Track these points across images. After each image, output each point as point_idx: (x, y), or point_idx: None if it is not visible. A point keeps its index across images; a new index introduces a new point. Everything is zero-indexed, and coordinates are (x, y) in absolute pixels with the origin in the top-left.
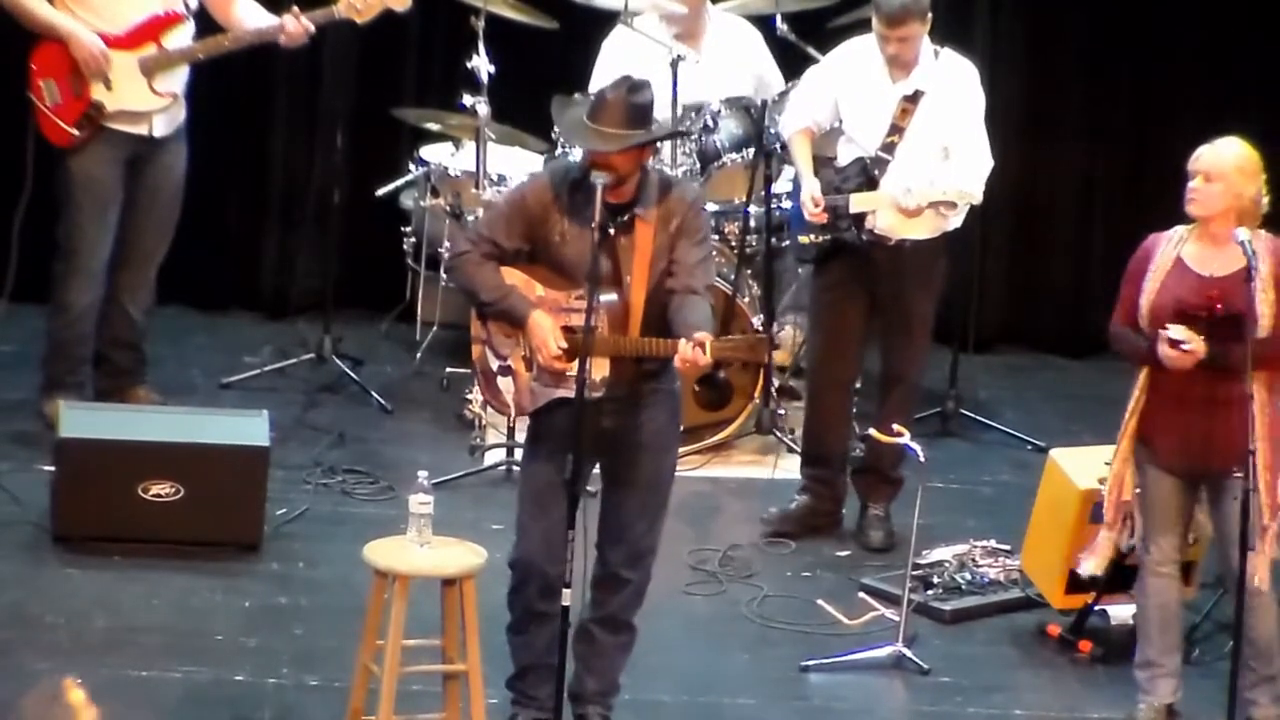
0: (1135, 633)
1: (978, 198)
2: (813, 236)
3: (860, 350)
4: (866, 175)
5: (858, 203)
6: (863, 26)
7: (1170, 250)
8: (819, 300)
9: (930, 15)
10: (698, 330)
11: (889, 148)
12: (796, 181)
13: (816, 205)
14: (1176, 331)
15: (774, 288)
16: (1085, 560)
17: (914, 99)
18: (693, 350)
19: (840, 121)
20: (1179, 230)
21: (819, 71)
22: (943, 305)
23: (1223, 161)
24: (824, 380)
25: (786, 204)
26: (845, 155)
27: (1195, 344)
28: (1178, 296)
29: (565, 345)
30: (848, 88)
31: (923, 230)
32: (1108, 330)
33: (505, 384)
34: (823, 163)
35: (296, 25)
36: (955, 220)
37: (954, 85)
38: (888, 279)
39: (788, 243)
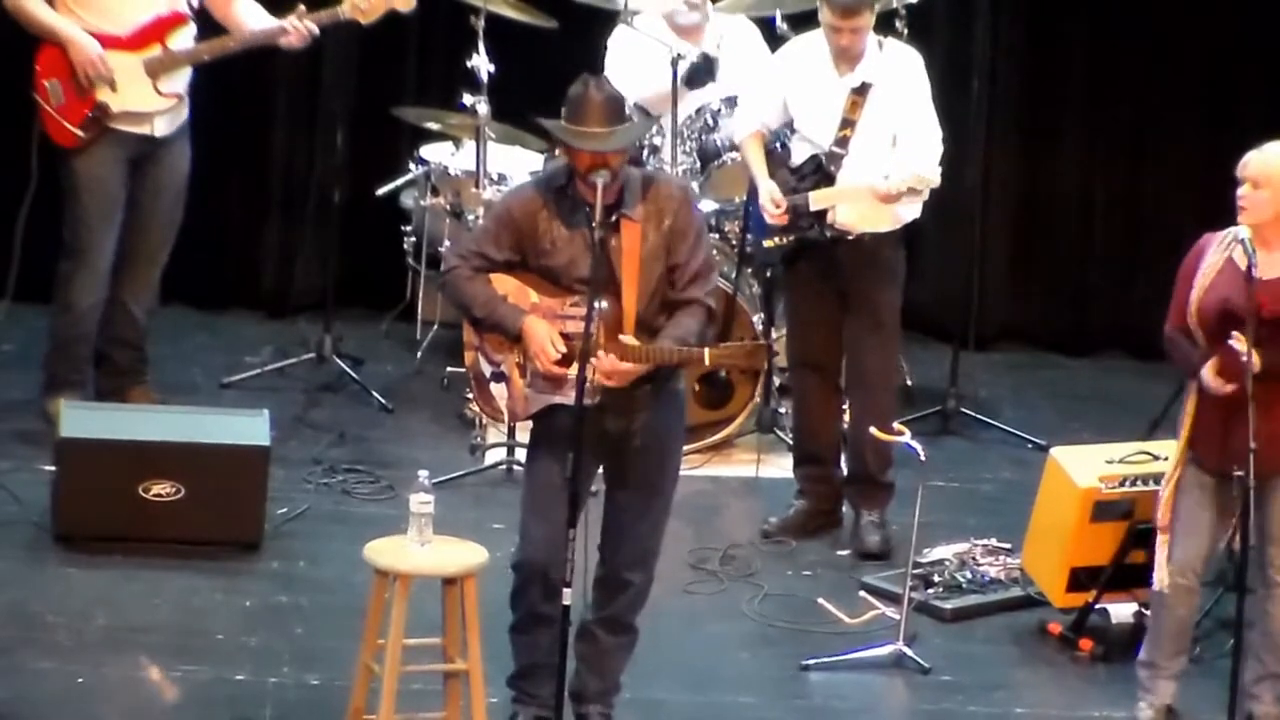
0: (1140, 630)
1: (936, 180)
2: (776, 239)
3: (839, 343)
4: (823, 171)
5: (818, 199)
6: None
7: (1221, 251)
8: (791, 301)
9: (877, 5)
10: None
11: (842, 142)
12: (752, 186)
13: (778, 206)
14: (1237, 342)
15: (774, 287)
16: (1155, 576)
17: (862, 91)
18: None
19: (791, 121)
20: (1232, 231)
21: (766, 73)
22: (943, 303)
23: (1270, 167)
24: (808, 377)
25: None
26: (799, 154)
27: (1252, 356)
28: (1225, 298)
29: (564, 350)
30: (796, 85)
31: (883, 223)
32: (1163, 333)
33: (498, 390)
34: (777, 164)
35: (298, 30)
36: (913, 211)
37: (900, 74)
38: (853, 275)
39: (750, 250)
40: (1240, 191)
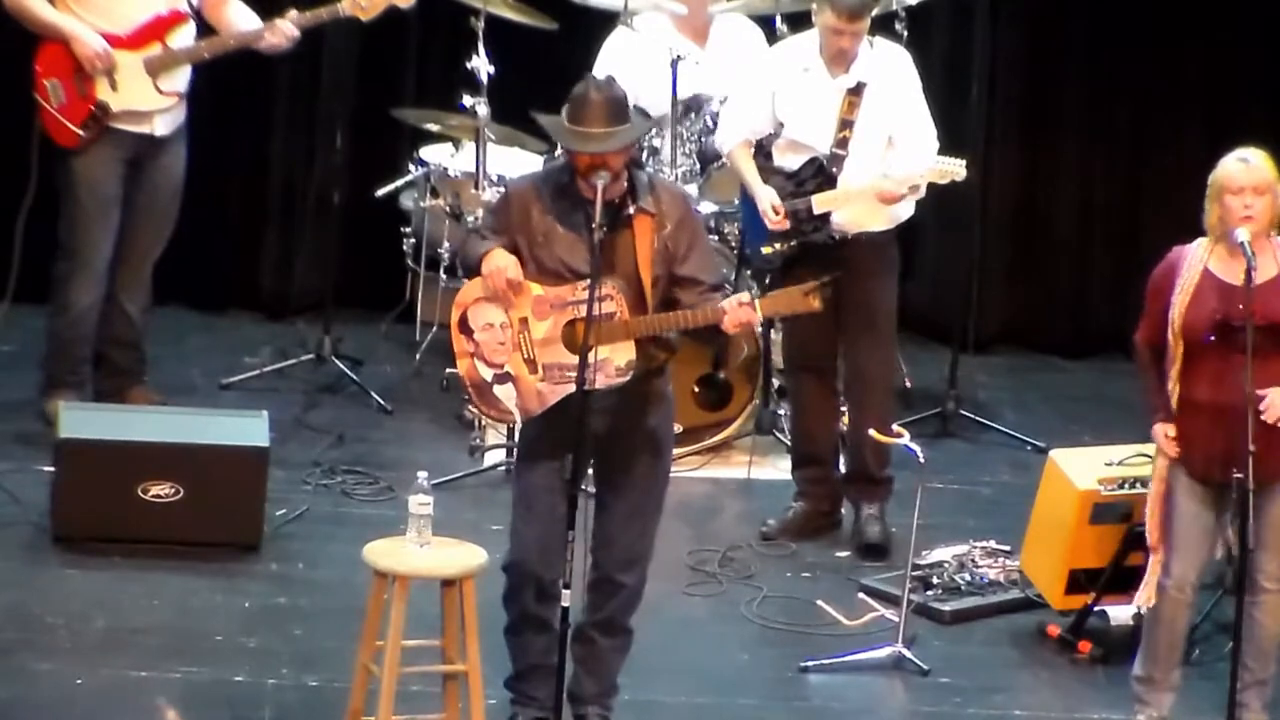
0: (1135, 638)
1: (963, 172)
2: (777, 245)
3: (835, 345)
4: (824, 174)
5: (821, 203)
6: (873, 26)
7: (1196, 263)
8: None
9: (876, 8)
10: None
11: (843, 143)
12: (745, 195)
13: (778, 213)
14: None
15: (773, 289)
16: (1139, 595)
17: (858, 91)
18: (742, 309)
19: (779, 127)
20: (1201, 242)
21: (752, 80)
22: (942, 305)
23: (1270, 174)
24: (805, 379)
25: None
26: (793, 159)
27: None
28: (1216, 309)
29: (518, 277)
30: (786, 90)
31: (878, 223)
32: (1132, 342)
33: (504, 392)
34: (770, 172)
35: (278, 33)
36: (908, 210)
37: (892, 73)
38: (848, 275)
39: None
40: (1246, 201)
